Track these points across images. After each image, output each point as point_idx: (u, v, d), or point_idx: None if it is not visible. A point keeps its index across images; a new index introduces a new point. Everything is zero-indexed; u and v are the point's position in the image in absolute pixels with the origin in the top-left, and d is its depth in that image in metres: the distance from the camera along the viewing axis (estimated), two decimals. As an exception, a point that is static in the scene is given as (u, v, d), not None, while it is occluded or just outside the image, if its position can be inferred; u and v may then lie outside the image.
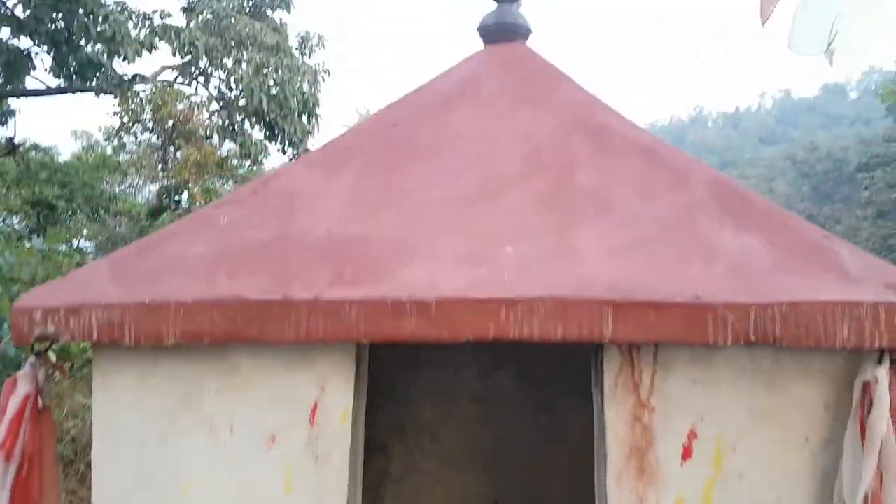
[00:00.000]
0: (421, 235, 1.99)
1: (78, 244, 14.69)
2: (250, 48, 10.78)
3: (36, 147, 13.38)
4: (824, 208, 49.84)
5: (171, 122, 13.75)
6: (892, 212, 39.31)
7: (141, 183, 18.77)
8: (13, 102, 10.80)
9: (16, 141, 11.21)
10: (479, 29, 2.72)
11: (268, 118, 10.94)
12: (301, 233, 2.03)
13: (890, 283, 1.71)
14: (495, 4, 2.76)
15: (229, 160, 14.87)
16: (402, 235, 1.99)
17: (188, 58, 10.54)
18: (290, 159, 12.02)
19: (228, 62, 11.05)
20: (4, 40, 9.23)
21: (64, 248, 10.80)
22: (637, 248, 1.87)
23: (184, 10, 11.21)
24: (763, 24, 4.10)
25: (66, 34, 9.15)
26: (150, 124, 14.42)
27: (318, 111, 11.69)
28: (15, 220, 12.89)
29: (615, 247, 1.89)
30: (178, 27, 10.38)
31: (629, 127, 2.42)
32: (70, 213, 12.80)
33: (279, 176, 2.49)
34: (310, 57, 12.40)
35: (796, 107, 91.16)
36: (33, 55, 9.59)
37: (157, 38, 10.11)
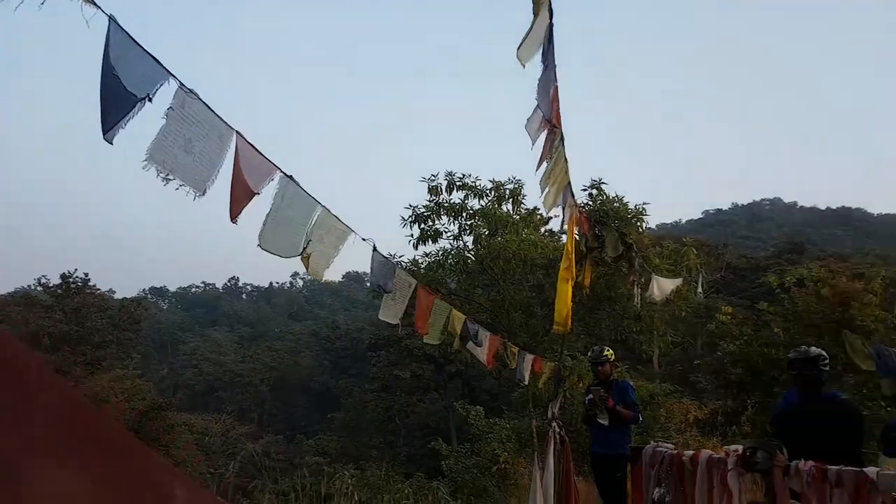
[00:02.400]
0: None
1: None
2: None
3: None
4: (340, 381, 55.21)
5: None
6: (393, 386, 45.92)
7: None
8: None
9: None
10: None
11: None
12: None
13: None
14: None
15: None
16: None
17: None
18: None
19: None
20: None
21: None
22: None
23: None
24: (233, 220, 4.14)
25: None
26: None
27: None
28: None
29: None
30: None
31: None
32: None
33: None
34: None
35: (323, 289, 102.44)
36: None
37: None
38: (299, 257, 4.37)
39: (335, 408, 50.72)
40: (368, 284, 5.92)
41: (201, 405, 47.82)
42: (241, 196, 3.80)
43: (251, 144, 3.84)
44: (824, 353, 5.52)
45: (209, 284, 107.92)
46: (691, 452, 2.74)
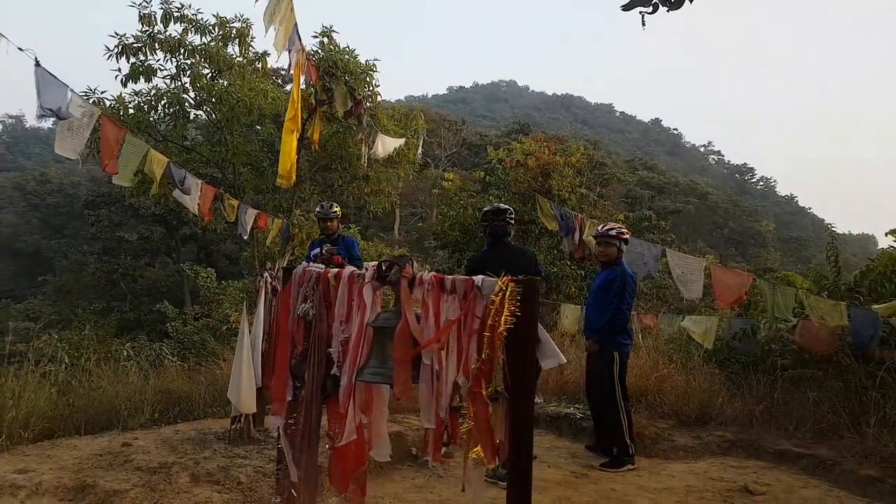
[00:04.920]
0: None
1: None
2: None
3: None
4: (52, 242, 48.90)
5: None
6: (116, 249, 41.85)
7: None
8: None
9: None
10: None
11: None
12: None
13: None
14: None
15: None
16: None
17: None
18: None
19: None
20: None
21: None
22: None
23: None
24: None
25: None
26: None
27: None
28: None
29: None
30: None
31: None
32: None
33: None
34: None
35: (29, 136, 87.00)
36: None
37: None
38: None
39: (48, 271, 45.01)
40: (37, 110, 4.88)
41: None
42: None
43: None
44: (512, 209, 6.14)
45: None
46: (336, 270, 2.85)
